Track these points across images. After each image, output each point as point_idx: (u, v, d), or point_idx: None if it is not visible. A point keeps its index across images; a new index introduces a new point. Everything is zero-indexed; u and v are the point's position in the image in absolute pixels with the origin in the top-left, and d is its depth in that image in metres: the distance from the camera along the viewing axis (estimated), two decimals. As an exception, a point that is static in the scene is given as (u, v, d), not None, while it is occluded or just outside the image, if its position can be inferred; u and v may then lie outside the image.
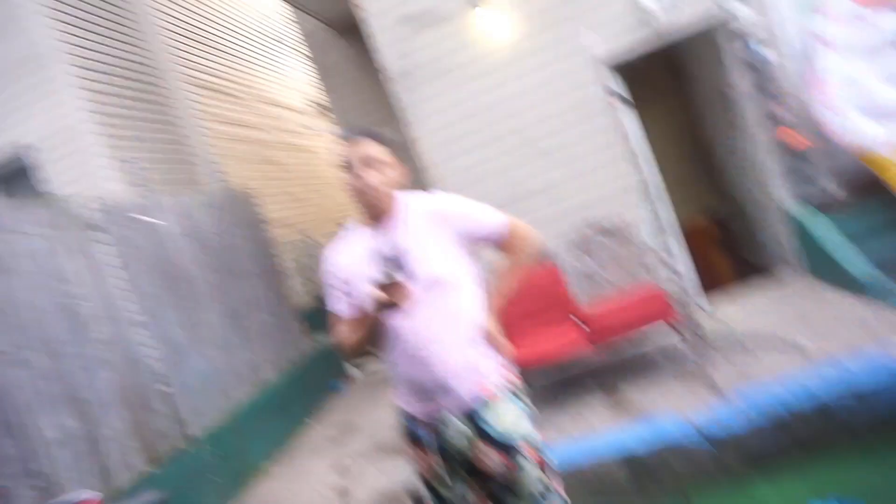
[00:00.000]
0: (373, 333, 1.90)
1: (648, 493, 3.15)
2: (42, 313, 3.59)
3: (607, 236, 4.85)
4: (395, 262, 1.78)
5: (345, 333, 1.95)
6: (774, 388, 3.14)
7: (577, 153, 4.97)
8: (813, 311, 4.10)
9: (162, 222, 4.83)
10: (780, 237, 5.10)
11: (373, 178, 1.89)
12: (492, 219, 1.98)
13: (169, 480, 3.91)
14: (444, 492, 1.96)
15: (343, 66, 6.55)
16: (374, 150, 1.90)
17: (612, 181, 4.92)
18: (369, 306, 1.78)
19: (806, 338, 3.70)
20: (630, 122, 4.90)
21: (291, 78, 10.27)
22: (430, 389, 1.89)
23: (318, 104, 8.87)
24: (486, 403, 1.91)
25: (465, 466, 1.93)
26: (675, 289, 4.28)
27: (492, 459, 1.88)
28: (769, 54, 4.71)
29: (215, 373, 4.95)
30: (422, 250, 1.87)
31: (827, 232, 4.43)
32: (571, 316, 4.43)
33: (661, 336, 4.46)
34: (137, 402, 4.05)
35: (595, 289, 4.89)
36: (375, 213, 1.94)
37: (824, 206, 4.67)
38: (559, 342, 4.14)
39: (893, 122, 4.25)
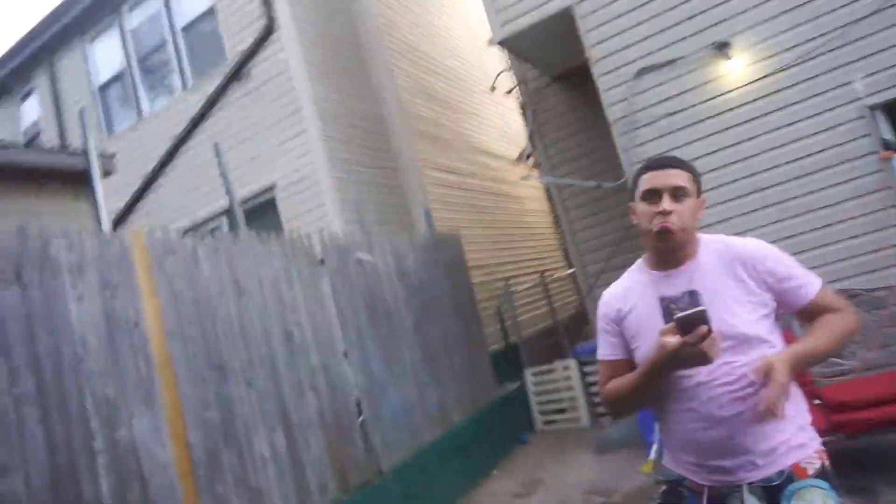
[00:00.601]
0: (653, 389, 1.66)
1: None
2: (268, 336, 3.95)
3: (867, 308, 4.06)
4: (691, 314, 1.52)
5: (614, 385, 1.75)
6: None
7: (834, 213, 4.28)
8: None
9: (372, 259, 5.12)
10: None
11: (681, 213, 1.64)
12: (806, 278, 1.68)
13: (357, 510, 4.00)
14: None
15: (557, 114, 6.52)
16: (682, 179, 1.66)
17: (876, 244, 4.15)
18: (660, 358, 1.54)
19: None
20: (900, 174, 4.12)
21: (502, 126, 10.57)
22: (723, 456, 1.60)
23: (527, 153, 8.97)
24: (792, 480, 1.57)
25: None
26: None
27: None
28: None
29: (408, 409, 5.04)
30: (722, 303, 1.62)
31: None
32: (808, 392, 3.74)
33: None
34: (336, 429, 4.23)
35: (843, 365, 4.10)
36: (671, 253, 1.69)
37: None
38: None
39: None
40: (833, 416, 3.46)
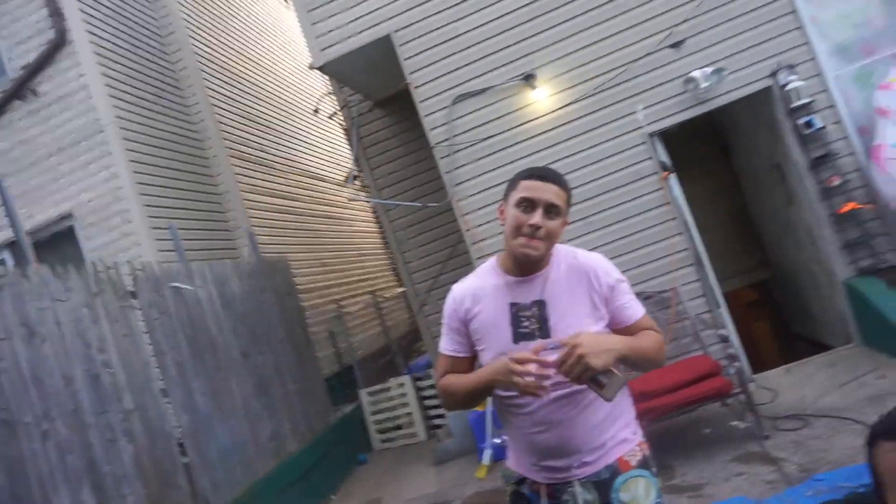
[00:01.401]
0: (488, 395, 1.74)
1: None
2: (68, 381, 3.49)
3: (657, 307, 4.64)
4: (535, 319, 1.64)
5: (452, 381, 1.78)
6: (845, 470, 2.86)
7: (628, 225, 4.86)
8: (877, 383, 3.78)
9: (191, 288, 4.78)
10: (835, 308, 4.83)
11: (550, 230, 1.66)
12: (634, 304, 1.76)
13: (185, 562, 3.67)
14: None
15: (381, 137, 6.63)
16: (559, 199, 1.67)
17: (662, 252, 4.79)
18: (502, 379, 1.57)
19: (873, 413, 3.38)
20: (679, 193, 4.80)
21: (327, 149, 10.50)
22: (557, 456, 1.68)
23: (353, 175, 9.00)
24: (618, 473, 1.68)
25: None
26: (727, 361, 4.01)
27: None
28: (829, 128, 4.61)
29: (239, 444, 4.75)
30: (564, 310, 1.68)
31: (890, 302, 4.16)
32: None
33: (714, 410, 4.17)
34: (157, 475, 3.86)
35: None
36: (528, 263, 1.70)
37: (885, 277, 4.42)
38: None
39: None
40: (638, 406, 3.88)
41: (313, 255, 8.52)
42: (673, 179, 4.81)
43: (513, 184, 1.74)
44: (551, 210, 1.65)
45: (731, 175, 6.45)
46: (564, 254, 1.77)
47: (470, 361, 1.80)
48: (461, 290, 1.81)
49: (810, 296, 5.31)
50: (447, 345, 1.82)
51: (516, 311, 1.69)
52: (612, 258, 4.97)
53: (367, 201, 7.75)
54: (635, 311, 1.75)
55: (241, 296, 5.51)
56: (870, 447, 0.79)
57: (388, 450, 6.72)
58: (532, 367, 1.51)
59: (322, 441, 5.98)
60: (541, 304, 1.68)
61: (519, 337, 1.68)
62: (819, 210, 4.68)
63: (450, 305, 1.82)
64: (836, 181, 4.57)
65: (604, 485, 1.67)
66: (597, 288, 1.71)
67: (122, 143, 5.94)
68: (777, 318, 6.62)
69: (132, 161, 5.99)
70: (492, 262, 1.82)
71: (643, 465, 1.71)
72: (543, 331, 1.67)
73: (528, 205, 1.65)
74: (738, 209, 6.45)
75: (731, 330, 4.65)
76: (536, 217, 1.63)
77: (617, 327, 1.73)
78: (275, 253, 6.77)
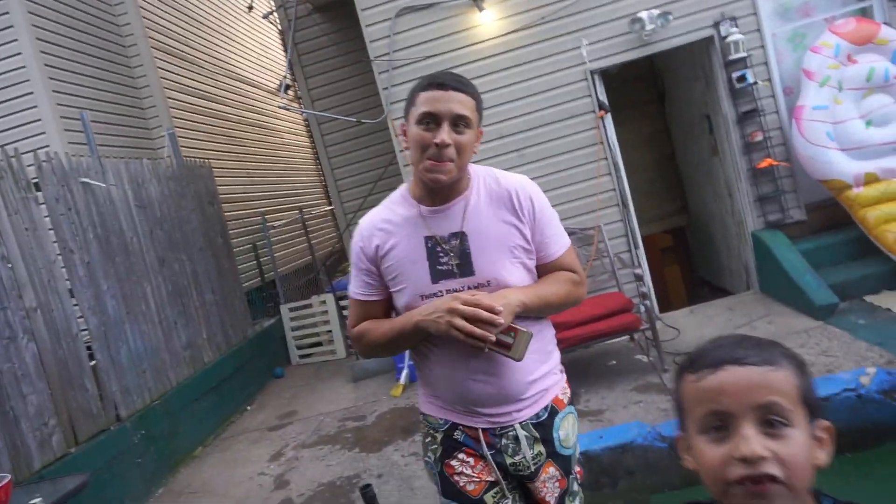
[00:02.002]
0: (414, 343, 1.56)
1: (605, 494, 3.08)
2: (-40, 271, 3.26)
3: (580, 244, 4.78)
4: (455, 254, 1.47)
5: (367, 329, 1.59)
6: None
7: (560, 161, 4.91)
8: (766, 328, 4.12)
9: (103, 185, 4.50)
10: (741, 257, 5.14)
11: (461, 146, 1.43)
12: (558, 239, 1.60)
13: (91, 462, 3.63)
14: None
15: (319, 46, 6.30)
16: (466, 108, 1.43)
17: (590, 190, 4.89)
18: (435, 328, 1.43)
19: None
20: (612, 133, 4.86)
21: (260, 53, 9.91)
22: (499, 403, 1.54)
23: (286, 84, 8.58)
24: (556, 413, 1.60)
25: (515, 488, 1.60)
26: (638, 299, 4.23)
27: (550, 477, 1.59)
28: (760, 84, 4.74)
29: (150, 350, 4.65)
30: (487, 243, 1.51)
31: (788, 254, 4.46)
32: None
33: (621, 344, 4.43)
34: (62, 376, 3.73)
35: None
36: (441, 189, 1.50)
37: (788, 231, 4.72)
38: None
39: (867, 160, 4.33)
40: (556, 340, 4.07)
41: (239, 164, 8.18)
42: (608, 120, 4.87)
43: (411, 98, 1.49)
44: (459, 122, 1.43)
45: (663, 121, 6.60)
46: (484, 176, 1.58)
47: (384, 305, 1.61)
48: (368, 226, 1.58)
49: (720, 244, 5.62)
50: (357, 288, 1.61)
51: (433, 246, 1.50)
52: (545, 192, 5.03)
53: (300, 112, 7.45)
54: (559, 246, 1.59)
55: (159, 199, 5.25)
56: (677, 379, 0.85)
57: (306, 365, 6.77)
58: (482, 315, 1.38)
59: (239, 353, 5.95)
60: (461, 237, 1.50)
61: (438, 275, 1.49)
62: (740, 163, 4.89)
63: (357, 244, 1.58)
64: (759, 136, 4.77)
65: (543, 426, 1.58)
66: (522, 216, 1.54)
67: (26, 16, 5.35)
68: (688, 264, 7.01)
69: (39, 39, 5.43)
70: (401, 190, 1.60)
71: (570, 401, 1.67)
72: (465, 267, 1.49)
73: (430, 120, 1.42)
74: (667, 156, 6.65)
75: (645, 270, 4.88)
76: (442, 134, 1.41)
77: (537, 263, 1.58)
78: (197, 158, 6.44)
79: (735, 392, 0.77)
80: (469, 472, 1.56)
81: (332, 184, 6.35)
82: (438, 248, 1.50)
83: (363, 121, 5.32)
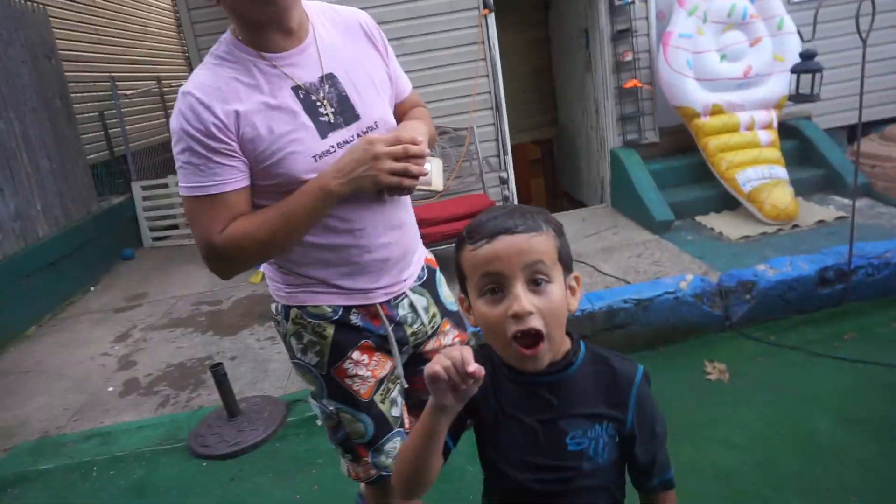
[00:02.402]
0: (326, 211, 1.24)
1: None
2: None
3: (451, 143, 4.81)
4: (334, 101, 1.24)
5: (253, 228, 1.22)
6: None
7: (439, 56, 4.79)
8: (611, 238, 4.50)
9: None
10: (599, 172, 5.48)
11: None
12: (402, 72, 1.48)
13: None
14: (387, 403, 1.43)
15: None
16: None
17: (466, 90, 4.86)
18: (348, 184, 1.20)
19: (602, 260, 4.06)
20: (494, 35, 4.80)
21: None
22: (401, 265, 1.39)
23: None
24: (433, 270, 1.51)
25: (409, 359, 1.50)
26: (501, 202, 4.40)
27: (447, 333, 1.53)
28: (637, 5, 4.86)
29: (-28, 218, 4.14)
30: (359, 80, 1.30)
31: (639, 172, 4.82)
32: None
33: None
34: None
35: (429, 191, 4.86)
36: (277, 25, 1.21)
37: (642, 151, 5.07)
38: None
39: (716, 92, 4.68)
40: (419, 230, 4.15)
41: (85, 17, 7.15)
42: (491, 19, 4.79)
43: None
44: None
45: (545, 31, 6.64)
46: (319, 9, 1.34)
47: (248, 194, 1.24)
48: (205, 92, 1.18)
49: (582, 159, 5.93)
50: (211, 179, 1.19)
51: (305, 97, 1.24)
52: (419, 87, 4.91)
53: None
54: (407, 81, 1.48)
55: (-22, 43, 4.50)
56: (458, 249, 0.97)
57: (160, 248, 6.41)
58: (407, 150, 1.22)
59: (81, 229, 5.48)
60: (331, 79, 1.27)
61: (324, 129, 1.24)
62: (609, 81, 5.09)
63: (192, 120, 1.17)
64: (629, 56, 4.97)
65: (428, 284, 1.48)
66: (377, 47, 1.38)
67: None
68: (552, 177, 7.36)
69: None
70: (226, 41, 1.25)
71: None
72: (348, 113, 1.27)
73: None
74: (544, 66, 6.76)
75: (510, 175, 5.04)
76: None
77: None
78: (29, 1, 5.53)
79: (506, 257, 0.89)
80: (363, 372, 1.38)
81: (195, 52, 5.77)
82: (313, 98, 1.24)
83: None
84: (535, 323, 0.88)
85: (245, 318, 4.20)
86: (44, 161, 5.14)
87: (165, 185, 6.41)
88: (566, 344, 0.98)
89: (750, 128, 4.69)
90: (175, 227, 6.49)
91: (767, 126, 4.73)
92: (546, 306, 0.89)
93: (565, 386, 0.96)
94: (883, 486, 2.01)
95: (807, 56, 3.64)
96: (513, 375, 0.97)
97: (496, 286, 0.90)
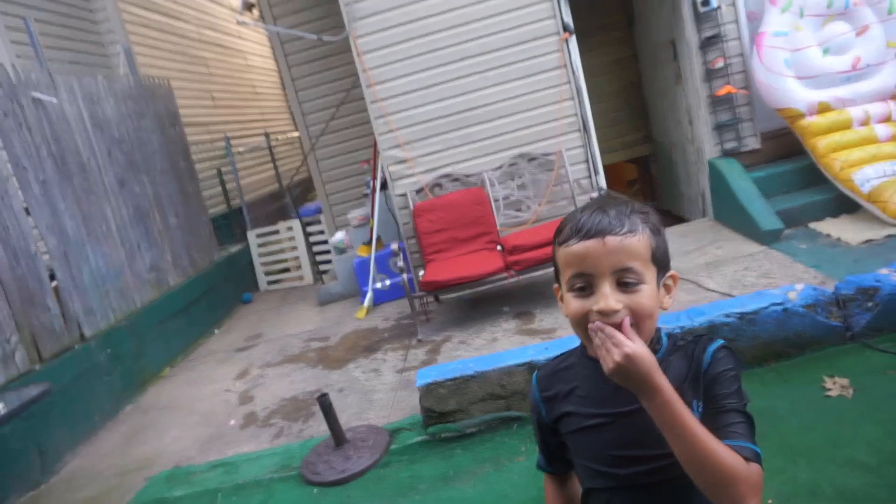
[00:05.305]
0: None
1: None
2: None
3: (541, 169, 4.83)
4: None
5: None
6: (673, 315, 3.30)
7: (523, 85, 4.84)
8: (714, 252, 4.28)
9: (55, 101, 4.38)
10: (698, 184, 5.26)
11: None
12: None
13: (57, 378, 3.71)
14: None
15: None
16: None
17: (552, 115, 4.88)
18: None
19: (707, 276, 3.88)
20: (576, 57, 4.82)
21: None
22: None
23: (249, 2, 8.24)
24: None
25: None
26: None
27: None
28: (723, 10, 4.72)
29: (113, 271, 4.67)
30: None
31: (741, 182, 4.59)
32: (493, 240, 4.47)
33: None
34: (21, 295, 3.75)
35: (520, 217, 4.89)
36: None
37: (743, 159, 4.83)
38: (477, 262, 4.22)
39: (821, 89, 4.39)
40: (509, 258, 4.19)
41: (201, 85, 7.95)
42: (572, 43, 4.82)
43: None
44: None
45: (631, 47, 6.55)
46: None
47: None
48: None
49: (681, 173, 5.72)
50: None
51: None
52: (503, 116, 4.97)
53: (259, 26, 7.20)
54: None
55: (116, 118, 5.14)
56: (554, 242, 1.00)
57: (274, 291, 6.86)
58: None
59: (206, 277, 6.00)
60: None
61: None
62: (701, 90, 4.92)
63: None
64: (720, 63, 4.79)
65: None
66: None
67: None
68: (652, 196, 7.12)
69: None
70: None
71: None
72: None
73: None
74: (634, 83, 6.64)
75: (605, 192, 4.97)
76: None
77: None
78: (156, 77, 6.25)
79: (596, 258, 0.92)
80: None
81: (297, 107, 6.24)
82: None
83: (323, 38, 5.18)
84: (621, 318, 0.90)
85: (351, 352, 4.39)
86: (172, 217, 5.71)
87: (277, 232, 6.88)
88: (654, 337, 0.99)
89: (865, 123, 4.34)
90: (287, 270, 6.94)
91: (885, 119, 4.36)
92: (635, 304, 0.91)
93: None
94: None
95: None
96: (599, 367, 0.92)
97: (585, 284, 0.92)
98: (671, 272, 0.98)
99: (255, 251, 6.94)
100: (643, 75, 6.46)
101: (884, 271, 2.86)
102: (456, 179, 4.93)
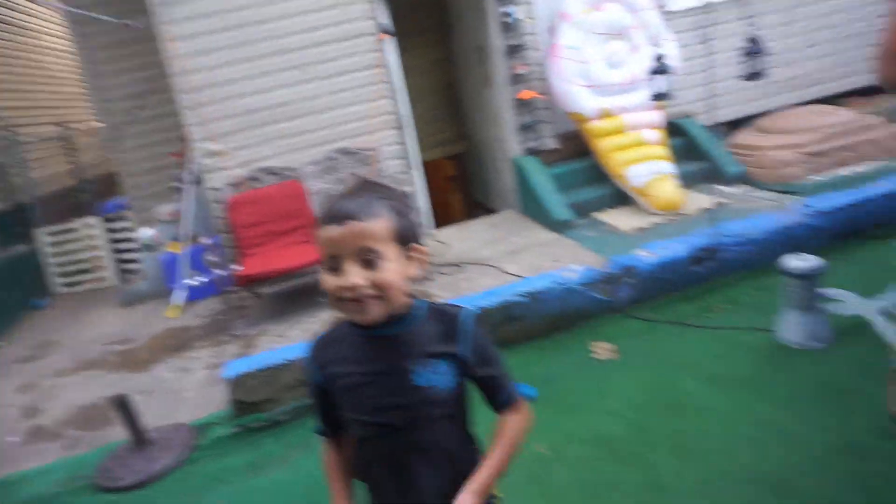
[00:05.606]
0: None
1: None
2: None
3: (359, 163, 4.92)
4: None
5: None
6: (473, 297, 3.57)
7: (340, 82, 4.89)
8: (516, 240, 4.69)
9: None
10: (505, 180, 5.71)
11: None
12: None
13: None
14: None
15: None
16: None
17: (369, 112, 4.98)
18: None
19: (509, 262, 4.24)
20: (394, 57, 4.97)
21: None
22: None
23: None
24: None
25: None
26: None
27: None
28: (525, 22, 5.15)
29: None
30: None
31: (539, 178, 5.06)
32: (310, 233, 4.48)
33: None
34: None
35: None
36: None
37: (542, 157, 5.33)
38: (295, 256, 4.21)
39: (605, 97, 4.99)
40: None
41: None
42: (389, 43, 4.97)
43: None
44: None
45: (448, 50, 6.89)
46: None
47: None
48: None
49: (490, 169, 6.16)
50: None
51: None
52: (322, 112, 4.99)
53: (48, 5, 6.49)
54: None
55: None
56: (315, 226, 1.14)
57: (71, 294, 6.22)
58: None
59: (-17, 280, 5.27)
60: None
61: None
62: (506, 94, 5.34)
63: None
64: (523, 70, 5.24)
65: None
66: None
67: None
68: (468, 190, 7.56)
69: None
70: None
71: None
72: None
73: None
74: (449, 84, 6.99)
75: (419, 189, 5.20)
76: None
77: None
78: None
79: (341, 241, 1.06)
80: None
81: (97, 96, 5.70)
82: None
83: (127, 23, 4.80)
84: (366, 291, 1.06)
85: (159, 353, 4.15)
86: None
87: (73, 230, 6.25)
88: (407, 304, 1.14)
89: (636, 128, 5.02)
90: (87, 271, 6.32)
91: (653, 125, 5.07)
92: (378, 278, 1.07)
93: (407, 334, 1.15)
94: (735, 434, 2.21)
95: (658, 60, 3.97)
96: (363, 332, 1.14)
97: (335, 264, 1.07)
98: (414, 245, 1.13)
99: (45, 251, 6.22)
100: (458, 77, 6.83)
101: (642, 252, 3.36)
102: (274, 173, 4.86)
